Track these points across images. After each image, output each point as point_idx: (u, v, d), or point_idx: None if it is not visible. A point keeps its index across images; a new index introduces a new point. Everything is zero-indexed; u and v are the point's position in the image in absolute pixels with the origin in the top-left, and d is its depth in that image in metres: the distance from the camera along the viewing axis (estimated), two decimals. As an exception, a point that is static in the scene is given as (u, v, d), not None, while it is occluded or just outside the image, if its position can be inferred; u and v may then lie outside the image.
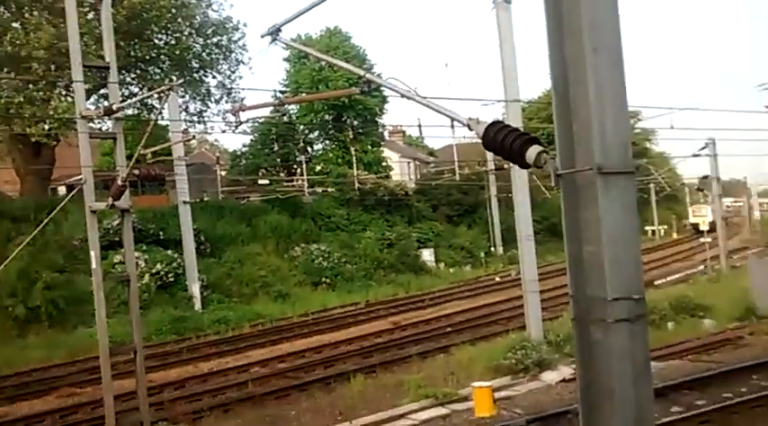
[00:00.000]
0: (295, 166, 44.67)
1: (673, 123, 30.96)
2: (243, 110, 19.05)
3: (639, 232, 3.46)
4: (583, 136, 3.38)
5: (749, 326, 18.79)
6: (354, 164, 43.78)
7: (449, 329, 21.97)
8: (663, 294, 22.78)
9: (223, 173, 43.98)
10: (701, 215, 54.85)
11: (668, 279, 31.91)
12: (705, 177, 36.30)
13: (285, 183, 41.32)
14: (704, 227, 35.53)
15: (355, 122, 45.83)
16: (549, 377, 15.00)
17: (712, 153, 32.75)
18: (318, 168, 44.86)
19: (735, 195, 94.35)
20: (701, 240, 35.39)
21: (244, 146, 45.33)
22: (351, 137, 44.93)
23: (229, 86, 33.44)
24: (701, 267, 33.81)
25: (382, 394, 14.62)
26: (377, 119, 47.78)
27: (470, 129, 4.32)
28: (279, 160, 44.66)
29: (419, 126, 40.61)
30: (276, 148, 43.66)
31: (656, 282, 30.32)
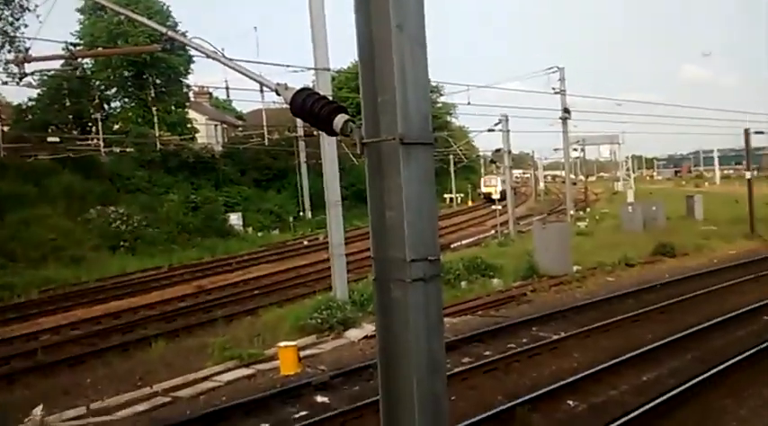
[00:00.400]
0: (90, 124, 41.49)
1: (470, 99, 32.98)
2: (28, 62, 17.31)
3: (437, 199, 3.64)
4: (387, 107, 3.45)
5: (531, 284, 20.67)
6: (156, 125, 41.74)
7: (256, 292, 21.88)
8: (458, 256, 24.34)
9: (6, 128, 39.80)
10: (492, 185, 59.29)
11: (463, 242, 34.18)
12: (498, 150, 39.17)
13: (78, 142, 38.30)
14: (496, 196, 38.30)
15: (158, 81, 43.69)
16: (353, 334, 15.48)
17: (505, 128, 35.29)
18: (116, 127, 42.15)
19: (524, 167, 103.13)
20: (493, 207, 38.23)
21: (30, 100, 41.20)
22: (152, 96, 42.72)
23: (12, 34, 30.14)
24: (492, 232, 36.63)
25: (185, 358, 14.22)
26: (181, 79, 45.85)
27: (278, 95, 4.25)
28: (71, 117, 41.18)
29: (227, 89, 39.42)
30: (68, 104, 40.15)
31: (452, 245, 32.36)
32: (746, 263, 24.19)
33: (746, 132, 34.90)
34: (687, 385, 10.94)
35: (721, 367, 11.81)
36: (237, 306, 19.56)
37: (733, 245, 29.34)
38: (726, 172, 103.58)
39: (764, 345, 13.07)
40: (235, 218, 38.36)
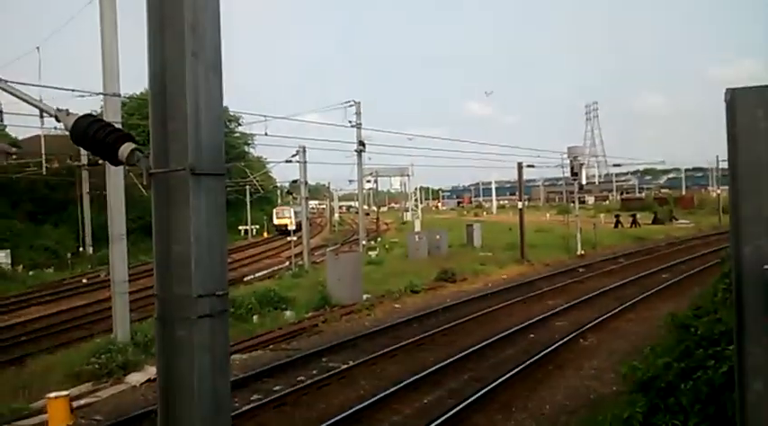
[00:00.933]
0: None
1: (268, 130, 33.00)
2: None
3: (227, 232, 3.53)
4: (178, 136, 3.30)
5: (323, 314, 20.89)
6: None
7: (23, 338, 19.75)
8: (251, 289, 24.00)
9: None
10: (285, 216, 59.85)
11: (257, 275, 33.76)
12: (295, 181, 39.42)
13: None
14: (292, 227, 38.44)
15: None
16: (135, 378, 14.57)
17: (302, 159, 35.65)
18: None
19: (320, 198, 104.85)
20: (288, 239, 38.26)
21: None
22: None
23: None
24: (287, 263, 36.64)
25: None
26: (-55, 101, 40.81)
27: (58, 121, 3.90)
28: None
29: (0, 112, 35.66)
30: None
31: (245, 278, 31.78)
32: (516, 286, 26.50)
33: (519, 165, 38.43)
34: (462, 404, 11.64)
35: (492, 385, 12.74)
36: (0, 356, 17.52)
37: (505, 270, 32.01)
38: (502, 202, 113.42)
39: (529, 362, 14.34)
40: (2, 256, 34.62)
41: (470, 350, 15.78)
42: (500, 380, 13.02)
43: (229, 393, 3.64)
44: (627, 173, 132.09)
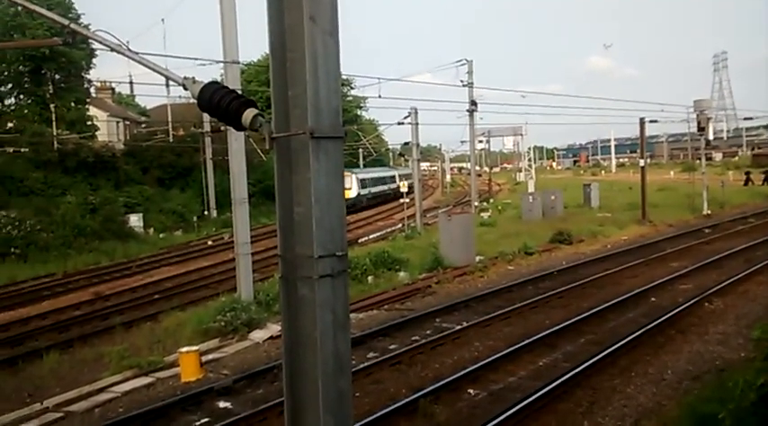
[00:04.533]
0: (-20, 123, 39.03)
1: (381, 92, 33.18)
2: None
3: (344, 194, 3.61)
4: (297, 101, 3.39)
5: (436, 276, 21.00)
6: (54, 122, 39.72)
7: (156, 296, 21.16)
8: (365, 251, 24.42)
9: None
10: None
11: (371, 237, 34.39)
12: (407, 143, 39.51)
13: (-33, 142, 35.98)
14: (404, 189, 38.67)
15: (57, 76, 41.50)
16: (258, 335, 15.28)
17: (414, 121, 35.53)
18: (10, 126, 39.80)
19: (431, 160, 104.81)
20: (400, 201, 38.58)
21: None
22: (51, 92, 40.58)
23: None
24: (400, 225, 37.01)
25: (79, 370, 13.61)
26: (83, 74, 43.84)
27: (185, 89, 4.10)
28: (-41, 116, 38.67)
29: (131, 83, 37.82)
30: (-44, 102, 37.66)
31: (360, 240, 32.49)
32: (637, 248, 25.50)
33: (641, 121, 36.60)
34: (580, 368, 11.43)
35: (612, 349, 12.41)
36: (137, 312, 18.86)
37: (625, 231, 30.82)
38: (621, 160, 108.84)
39: (650, 326, 13.83)
40: (135, 220, 36.98)
41: (587, 313, 15.43)
42: (619, 344, 12.67)
43: (349, 350, 3.73)
44: (758, 127, 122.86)
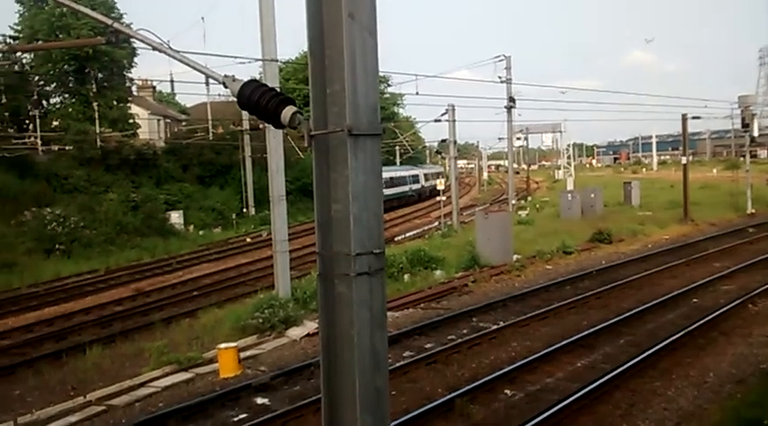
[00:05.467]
0: (27, 121, 40.02)
1: (418, 89, 33.13)
2: (-37, 56, 16.62)
3: (383, 191, 3.62)
4: (336, 98, 3.41)
5: (473, 274, 20.89)
6: (97, 121, 40.57)
7: (195, 293, 21.49)
8: (401, 249, 24.44)
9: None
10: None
11: (407, 235, 34.39)
12: (444, 141, 39.36)
13: (14, 140, 36.90)
14: (441, 187, 38.53)
15: (100, 75, 42.40)
16: (295, 332, 15.38)
17: (451, 118, 35.36)
18: (55, 124, 40.79)
19: (468, 157, 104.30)
20: (437, 198, 38.49)
21: (-36, 96, 39.44)
22: (94, 90, 41.43)
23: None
24: (436, 223, 36.92)
25: (121, 365, 13.88)
26: (124, 72, 44.73)
27: (225, 87, 4.15)
28: (7, 114, 39.64)
29: (171, 81, 38.52)
30: (4, 101, 38.59)
31: (396, 238, 32.51)
32: (678, 248, 25.04)
33: (684, 117, 35.85)
34: (619, 369, 11.27)
35: (652, 350, 12.20)
36: (176, 309, 19.17)
37: (666, 230, 30.27)
38: (663, 157, 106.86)
39: (692, 328, 13.56)
40: (176, 217, 37.60)
41: (627, 314, 15.20)
42: (659, 346, 12.45)
43: (386, 348, 3.74)
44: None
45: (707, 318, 14.26)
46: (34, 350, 15.57)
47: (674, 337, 12.97)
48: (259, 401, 11.34)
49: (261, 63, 17.84)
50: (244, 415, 10.69)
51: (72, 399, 11.77)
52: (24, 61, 40.86)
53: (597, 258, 23.97)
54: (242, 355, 13.49)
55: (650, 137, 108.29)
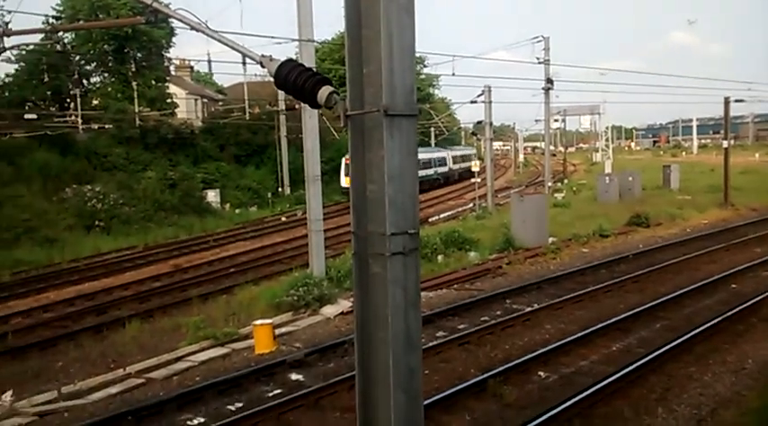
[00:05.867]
0: (68, 100, 40.73)
1: (455, 70, 32.83)
2: (8, 36, 16.93)
3: (418, 172, 3.62)
4: (372, 79, 3.41)
5: (507, 256, 20.78)
6: (136, 100, 41.09)
7: (232, 270, 21.77)
8: (435, 230, 24.39)
9: (-18, 106, 38.92)
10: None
11: (441, 216, 34.29)
12: (479, 122, 38.97)
13: (56, 119, 37.63)
14: (476, 169, 38.26)
15: (138, 55, 42.82)
16: (329, 311, 15.51)
17: (487, 99, 34.96)
18: (95, 103, 41.43)
19: (504, 139, 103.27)
20: (472, 180, 38.25)
21: (7, 76, 40.26)
22: (133, 70, 41.91)
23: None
24: (471, 205, 36.74)
25: (159, 339, 14.18)
26: (163, 52, 45.11)
27: (263, 67, 4.18)
28: (49, 93, 40.39)
29: (209, 61, 38.74)
30: (46, 80, 39.31)
31: (430, 219, 32.45)
32: (718, 232, 24.55)
33: (726, 100, 34.92)
34: (655, 353, 11.14)
35: (688, 335, 12.04)
36: (213, 285, 19.46)
37: (706, 215, 29.71)
38: (704, 141, 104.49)
39: (730, 313, 13.33)
40: (212, 195, 38.08)
41: (663, 298, 14.99)
42: (696, 331, 12.27)
43: (420, 327, 3.76)
44: None
45: (746, 304, 13.99)
46: (75, 324, 15.99)
47: (711, 322, 12.76)
48: (293, 377, 11.50)
49: (297, 43, 17.82)
50: (278, 390, 10.84)
51: (112, 371, 12.08)
52: (66, 41, 41.44)
53: (634, 242, 23.63)
54: (277, 332, 13.67)
55: (690, 121, 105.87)
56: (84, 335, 14.77)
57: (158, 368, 12.20)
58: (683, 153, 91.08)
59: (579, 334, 12.53)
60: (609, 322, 13.24)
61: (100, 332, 15.04)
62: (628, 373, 10.37)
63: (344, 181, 39.30)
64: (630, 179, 35.98)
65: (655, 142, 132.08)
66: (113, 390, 11.17)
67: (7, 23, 20.28)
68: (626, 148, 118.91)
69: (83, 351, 13.71)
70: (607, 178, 36.32)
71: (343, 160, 40.19)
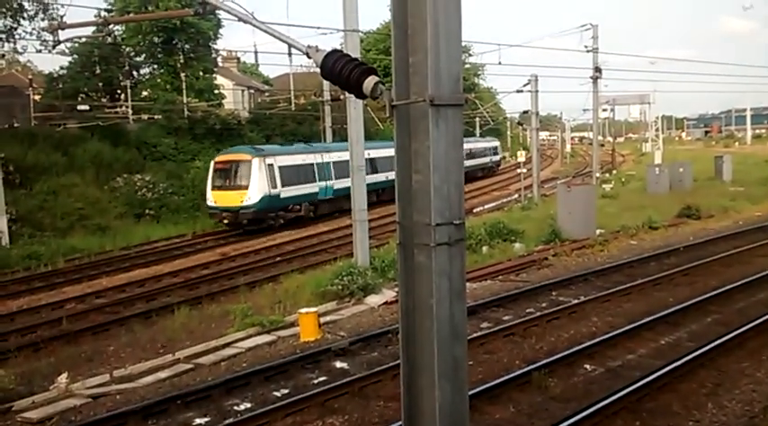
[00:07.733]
0: (119, 91, 41.68)
1: (501, 59, 32.49)
2: (62, 29, 17.35)
3: (463, 162, 3.60)
4: (418, 68, 3.40)
5: (553, 248, 20.53)
6: (184, 91, 41.79)
7: (278, 259, 22.05)
8: (480, 221, 24.24)
9: (37, 97, 40.12)
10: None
11: (486, 206, 34.08)
12: (525, 112, 38.49)
13: (107, 110, 38.56)
14: (521, 159, 37.88)
15: (187, 46, 43.47)
16: (373, 300, 15.58)
17: (534, 89, 34.49)
18: (145, 94, 42.29)
19: (550, 129, 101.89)
20: (518, 171, 37.92)
21: (62, 68, 41.38)
22: (181, 61, 42.60)
23: (45, 1, 30.14)
24: (516, 196, 36.39)
25: (207, 325, 14.46)
26: (210, 44, 45.72)
27: (309, 57, 4.21)
28: (101, 84, 41.40)
29: (255, 53, 39.06)
30: (98, 72, 40.30)
31: (474, 210, 32.26)
32: (772, 225, 23.80)
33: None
34: (705, 348, 10.89)
35: (741, 330, 11.73)
36: (260, 273, 19.76)
37: (760, 207, 28.83)
38: (758, 131, 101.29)
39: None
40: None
41: (714, 292, 14.62)
42: (748, 326, 11.94)
43: (465, 318, 3.74)
44: None
45: (802, 299, 13.57)
46: (126, 310, 16.42)
47: (765, 317, 12.40)
48: (338, 365, 11.59)
49: (342, 34, 17.86)
50: (323, 378, 10.94)
51: (162, 356, 12.37)
52: (116, 33, 42.33)
53: (685, 234, 23.10)
54: (322, 320, 13.78)
55: (744, 110, 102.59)
56: (134, 321, 15.17)
57: (206, 353, 12.44)
58: (736, 143, 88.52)
59: (627, 327, 12.32)
60: (658, 315, 12.98)
61: (150, 318, 15.41)
62: (677, 367, 10.16)
63: (211, 198, 28.49)
64: (681, 170, 35.16)
65: (706, 132, 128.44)
66: (163, 375, 11.44)
67: (62, 17, 20.84)
68: (676, 139, 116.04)
69: (133, 336, 14.09)
70: (657, 169, 35.57)
71: (211, 165, 29.58)
